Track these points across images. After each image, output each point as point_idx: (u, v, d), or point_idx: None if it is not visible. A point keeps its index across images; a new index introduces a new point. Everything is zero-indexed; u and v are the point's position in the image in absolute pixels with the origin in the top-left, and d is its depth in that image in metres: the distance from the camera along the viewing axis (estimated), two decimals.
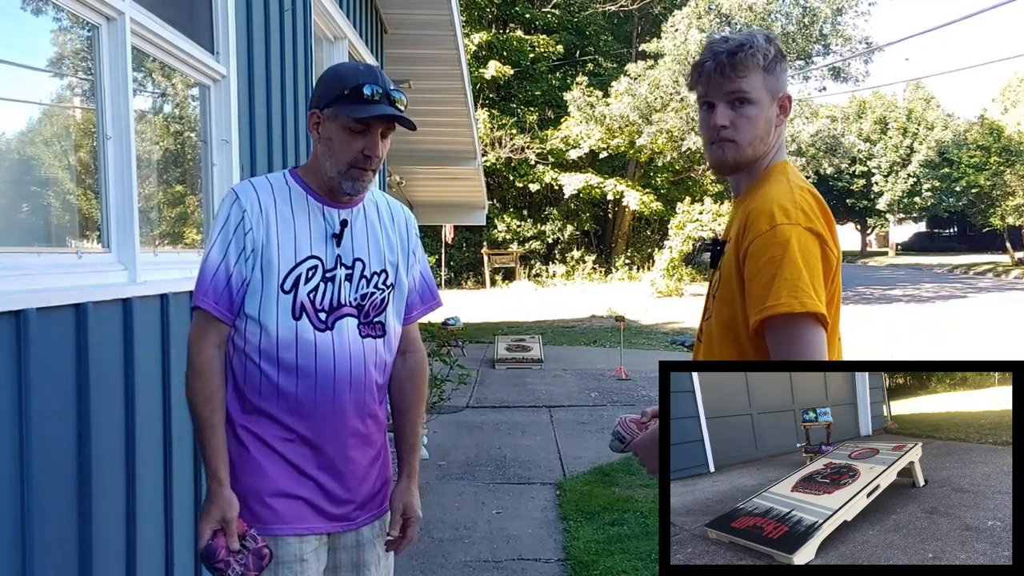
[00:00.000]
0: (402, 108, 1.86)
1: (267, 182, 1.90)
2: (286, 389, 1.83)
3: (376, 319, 1.92)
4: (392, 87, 1.86)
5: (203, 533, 1.75)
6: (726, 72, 1.67)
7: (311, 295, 1.83)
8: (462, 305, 18.54)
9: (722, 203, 24.20)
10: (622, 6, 28.35)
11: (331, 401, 1.85)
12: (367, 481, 1.95)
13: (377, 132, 1.83)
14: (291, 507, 1.85)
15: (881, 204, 43.09)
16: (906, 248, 52.65)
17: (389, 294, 1.95)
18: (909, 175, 41.36)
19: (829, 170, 25.70)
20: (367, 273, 1.91)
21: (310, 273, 1.84)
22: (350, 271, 1.88)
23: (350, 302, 1.88)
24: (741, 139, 1.69)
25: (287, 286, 1.82)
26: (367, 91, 1.80)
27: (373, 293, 1.91)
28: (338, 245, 1.88)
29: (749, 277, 1.58)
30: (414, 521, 1.98)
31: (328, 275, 1.86)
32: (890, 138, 42.26)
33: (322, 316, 1.84)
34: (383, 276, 1.94)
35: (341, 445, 1.88)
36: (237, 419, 1.86)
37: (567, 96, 25.31)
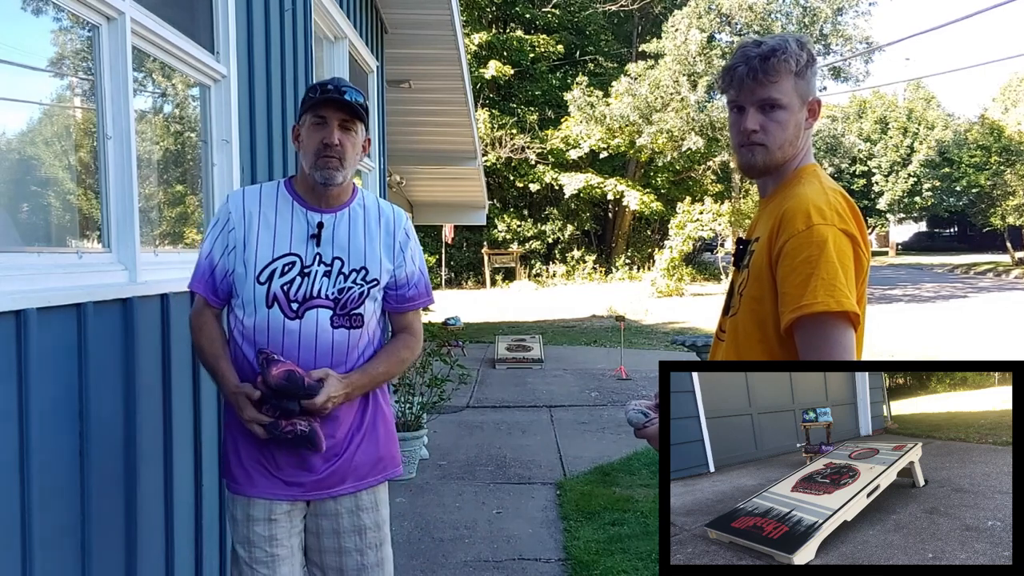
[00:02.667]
0: (355, 100, 2.05)
1: (258, 189, 2.16)
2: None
3: (354, 311, 2.10)
4: (346, 85, 2.07)
5: (250, 415, 1.98)
6: (758, 77, 1.68)
7: (285, 287, 2.05)
8: (462, 305, 18.54)
9: (722, 203, 24.20)
10: (622, 6, 28.34)
11: None
12: (343, 455, 2.11)
13: (333, 124, 2.04)
14: (263, 475, 2.09)
15: (881, 204, 43.05)
16: (906, 248, 52.63)
17: (368, 289, 2.12)
18: (909, 175, 41.32)
19: (829, 170, 25.69)
20: (345, 270, 2.09)
21: (286, 268, 2.06)
22: (328, 268, 2.08)
23: (327, 295, 2.07)
24: (771, 143, 1.71)
25: (263, 278, 2.05)
26: (321, 92, 2.05)
27: (351, 288, 2.10)
28: (318, 244, 2.09)
29: (783, 276, 1.59)
30: (329, 383, 2.02)
31: (306, 270, 2.07)
32: (890, 138, 42.24)
33: (294, 306, 2.05)
34: (362, 273, 2.11)
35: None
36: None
37: (567, 96, 25.30)
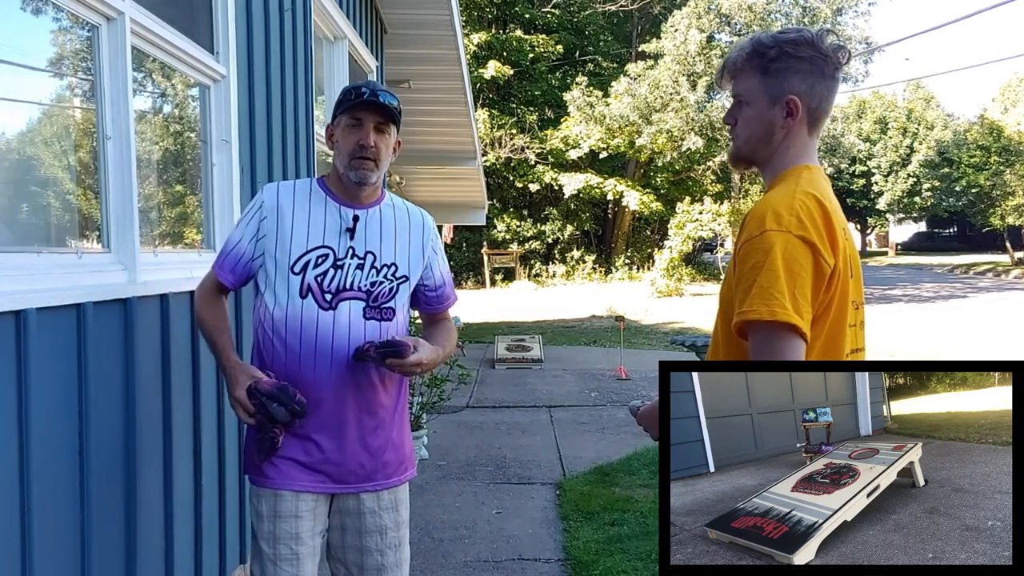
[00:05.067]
0: (389, 104, 2.10)
1: (292, 184, 2.20)
2: (292, 359, 2.08)
3: (385, 304, 2.15)
4: (380, 88, 2.11)
5: (240, 395, 2.00)
6: (724, 74, 1.74)
7: (319, 278, 2.08)
8: (462, 305, 18.48)
9: (722, 203, 24.21)
10: (622, 6, 28.34)
11: (329, 371, 2.07)
12: (367, 449, 2.13)
13: (369, 126, 2.09)
14: (290, 467, 2.09)
15: (881, 204, 43.05)
16: (906, 248, 52.64)
17: (398, 284, 2.17)
18: (909, 175, 41.31)
19: (829, 170, 25.71)
20: (377, 264, 2.14)
21: (320, 260, 2.09)
22: (361, 261, 2.12)
23: (359, 287, 2.11)
24: (737, 136, 1.74)
25: (296, 268, 2.08)
26: (358, 94, 2.09)
27: (382, 282, 2.14)
28: (351, 238, 2.12)
29: (736, 280, 1.58)
30: (417, 350, 2.07)
31: (339, 263, 2.10)
32: (890, 138, 42.23)
33: (327, 297, 2.08)
34: (393, 268, 2.16)
35: (338, 413, 2.08)
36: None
37: (567, 96, 25.30)
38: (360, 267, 2.11)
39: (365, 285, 2.11)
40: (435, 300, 2.33)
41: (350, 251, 2.11)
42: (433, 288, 2.30)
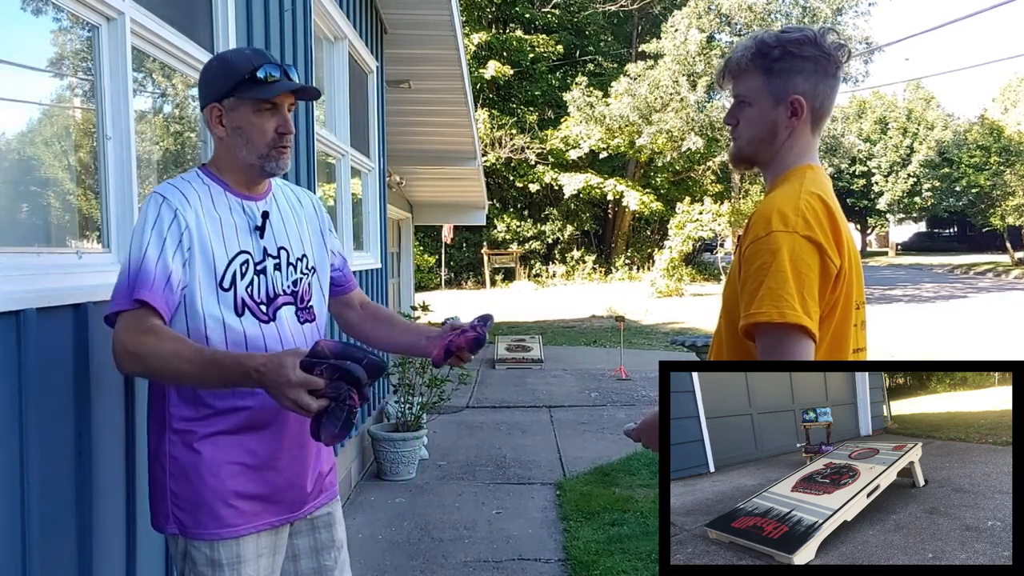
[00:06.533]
0: (309, 85, 1.88)
1: (188, 182, 1.85)
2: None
3: (309, 304, 1.96)
4: (288, 65, 1.91)
5: (304, 380, 1.55)
6: (726, 74, 1.73)
7: (248, 290, 1.83)
8: (462, 305, 18.53)
9: (722, 203, 24.23)
10: (622, 6, 28.35)
11: None
12: (318, 462, 1.97)
13: (285, 108, 1.87)
14: (248, 506, 1.83)
15: (881, 204, 43.09)
16: (906, 248, 52.68)
17: (312, 278, 1.99)
18: (909, 175, 41.36)
19: (829, 170, 25.73)
20: (292, 260, 1.93)
21: (243, 268, 1.83)
22: (277, 260, 1.90)
23: (284, 290, 1.90)
24: (740, 137, 1.73)
25: (226, 284, 1.80)
26: (264, 72, 1.82)
27: (300, 279, 1.95)
28: (261, 237, 1.88)
29: (742, 281, 1.57)
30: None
31: (258, 268, 1.86)
32: (890, 138, 42.26)
33: (264, 308, 1.85)
34: (304, 261, 1.97)
35: (300, 432, 1.81)
36: (188, 425, 1.81)
37: (567, 96, 25.33)
38: (278, 267, 1.89)
39: (288, 286, 1.90)
40: (343, 280, 2.15)
41: (264, 252, 1.87)
42: (339, 268, 2.12)
